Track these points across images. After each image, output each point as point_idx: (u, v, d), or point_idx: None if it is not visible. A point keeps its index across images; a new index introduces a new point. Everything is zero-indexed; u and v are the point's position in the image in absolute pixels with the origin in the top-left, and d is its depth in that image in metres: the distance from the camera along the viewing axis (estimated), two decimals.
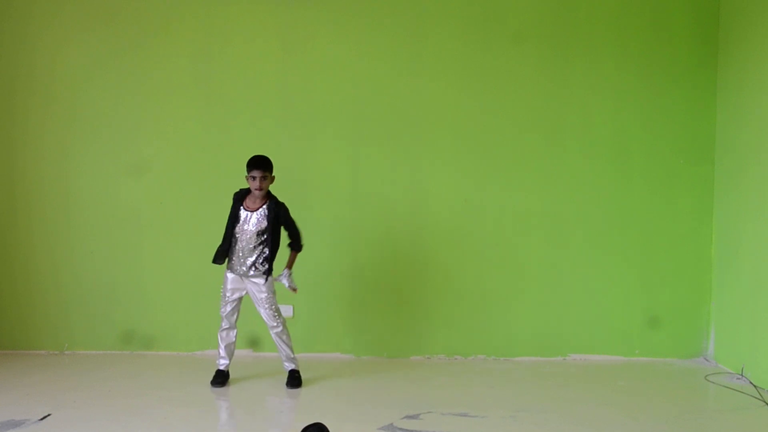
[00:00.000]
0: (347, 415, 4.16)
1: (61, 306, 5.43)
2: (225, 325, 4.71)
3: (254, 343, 5.40)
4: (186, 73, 5.38)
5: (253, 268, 4.57)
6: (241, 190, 4.68)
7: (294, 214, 4.63)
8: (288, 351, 4.67)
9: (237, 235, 4.57)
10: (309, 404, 4.38)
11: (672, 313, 5.39)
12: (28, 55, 5.38)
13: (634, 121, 5.35)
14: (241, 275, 4.60)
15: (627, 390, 4.67)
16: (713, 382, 4.84)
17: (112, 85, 5.39)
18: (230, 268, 4.63)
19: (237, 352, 5.38)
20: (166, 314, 5.41)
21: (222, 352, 4.73)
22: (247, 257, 4.56)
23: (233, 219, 4.59)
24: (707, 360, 5.36)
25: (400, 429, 3.82)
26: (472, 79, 5.35)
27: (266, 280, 4.57)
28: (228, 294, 4.65)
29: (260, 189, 4.51)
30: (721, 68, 5.28)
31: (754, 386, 4.64)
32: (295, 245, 4.66)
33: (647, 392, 4.61)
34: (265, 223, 4.54)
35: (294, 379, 4.67)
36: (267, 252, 4.57)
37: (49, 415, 3.99)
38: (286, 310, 5.33)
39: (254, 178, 4.51)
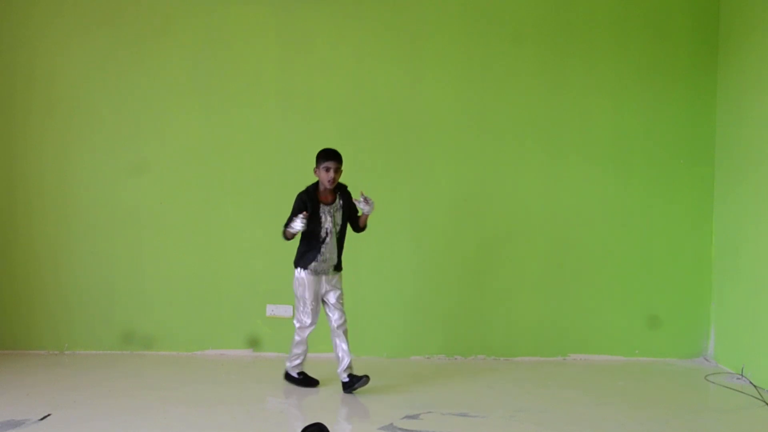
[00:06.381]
0: (347, 415, 4.16)
1: (61, 306, 5.42)
2: (311, 328, 4.53)
3: (254, 343, 5.40)
4: (186, 72, 5.38)
5: (337, 265, 4.49)
6: (307, 189, 4.41)
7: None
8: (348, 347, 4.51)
9: (321, 235, 4.38)
10: (309, 404, 4.38)
11: (672, 313, 5.39)
12: (28, 55, 5.38)
13: (633, 122, 5.35)
14: (322, 275, 4.44)
15: (627, 390, 4.67)
16: (713, 382, 4.84)
17: (112, 85, 5.39)
18: (313, 270, 4.42)
19: (237, 352, 5.40)
20: (166, 314, 5.41)
21: (302, 356, 4.61)
22: (334, 254, 4.45)
23: (313, 219, 4.32)
24: (707, 360, 5.36)
25: (400, 429, 3.82)
26: (471, 80, 5.36)
27: (340, 274, 4.54)
28: (312, 298, 4.45)
29: (332, 182, 4.34)
30: (721, 68, 5.28)
31: (754, 386, 4.64)
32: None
33: (647, 392, 4.61)
34: (343, 215, 4.43)
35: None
36: (343, 244, 4.50)
37: (49, 415, 3.99)
38: (286, 311, 5.33)
39: (328, 169, 4.31)
